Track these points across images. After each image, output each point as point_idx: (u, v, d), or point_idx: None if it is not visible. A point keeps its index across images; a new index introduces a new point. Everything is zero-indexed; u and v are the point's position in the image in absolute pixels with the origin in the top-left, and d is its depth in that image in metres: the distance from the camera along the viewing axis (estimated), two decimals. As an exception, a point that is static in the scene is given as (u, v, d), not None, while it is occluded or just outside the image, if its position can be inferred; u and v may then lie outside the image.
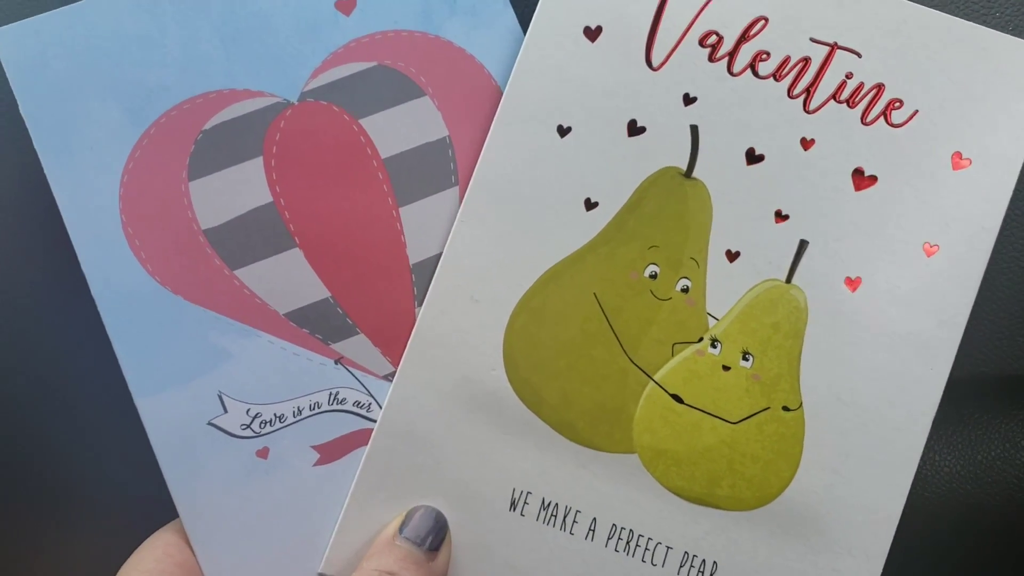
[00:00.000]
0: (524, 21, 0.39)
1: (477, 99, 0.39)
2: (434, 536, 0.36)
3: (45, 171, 0.37)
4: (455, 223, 0.38)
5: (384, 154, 0.38)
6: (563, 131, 0.38)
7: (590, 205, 0.38)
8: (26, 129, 0.37)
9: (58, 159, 0.37)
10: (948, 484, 0.39)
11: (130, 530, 0.37)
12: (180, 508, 0.37)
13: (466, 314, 0.38)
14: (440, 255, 0.38)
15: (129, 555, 0.36)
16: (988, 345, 0.40)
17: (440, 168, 0.39)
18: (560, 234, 0.38)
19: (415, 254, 0.38)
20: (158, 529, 0.37)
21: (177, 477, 0.37)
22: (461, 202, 0.38)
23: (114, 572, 0.36)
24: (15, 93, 0.37)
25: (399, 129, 0.38)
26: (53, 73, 0.37)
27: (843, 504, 0.37)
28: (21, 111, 0.37)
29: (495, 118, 0.38)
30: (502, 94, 0.38)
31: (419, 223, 0.38)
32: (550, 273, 0.38)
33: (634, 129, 0.38)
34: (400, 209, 0.38)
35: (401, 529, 0.36)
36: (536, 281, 0.38)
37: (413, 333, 0.38)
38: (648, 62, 0.38)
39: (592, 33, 0.38)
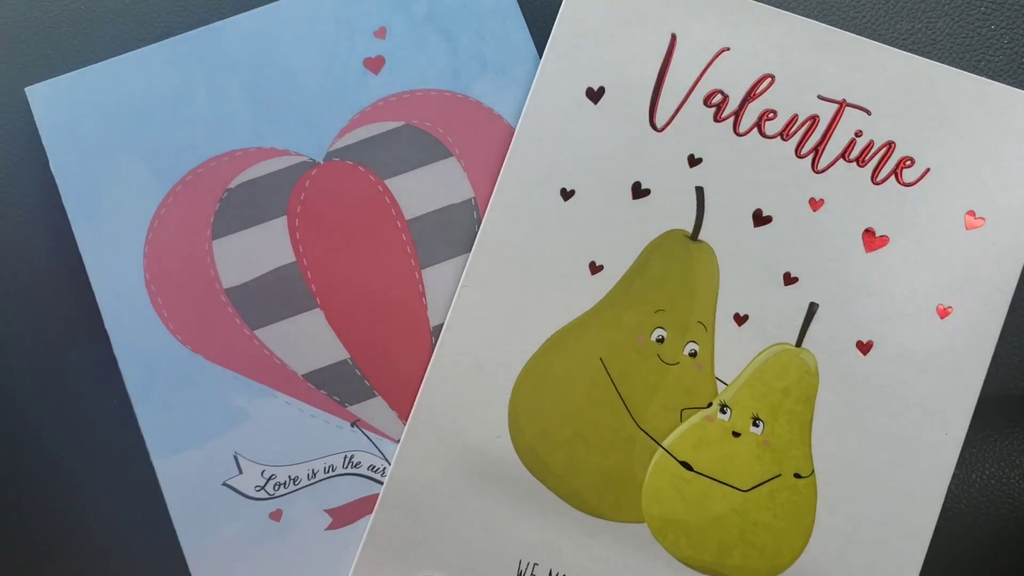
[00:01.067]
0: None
1: (505, 160, 0.38)
2: (439, 611, 0.35)
3: (73, 228, 0.37)
4: (458, 288, 0.37)
5: (408, 215, 0.38)
6: (567, 194, 0.38)
7: (595, 268, 0.37)
8: (55, 185, 0.37)
9: (86, 217, 0.37)
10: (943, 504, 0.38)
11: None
12: (192, 569, 0.36)
13: (470, 381, 0.37)
14: None
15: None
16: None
17: (465, 230, 0.38)
18: (565, 298, 0.37)
19: (436, 316, 0.38)
20: None
21: (190, 538, 0.37)
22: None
23: None
24: (46, 150, 0.37)
25: (424, 190, 0.38)
26: (84, 131, 0.37)
27: (856, 573, 0.36)
28: (52, 168, 0.37)
29: (498, 181, 0.38)
30: None
31: (441, 285, 0.38)
32: (555, 338, 0.37)
33: (638, 191, 0.37)
34: (422, 271, 0.38)
35: (406, 604, 0.35)
36: (541, 346, 0.37)
37: (416, 402, 0.37)
38: (652, 123, 0.38)
39: (595, 94, 0.38)
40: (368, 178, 0.38)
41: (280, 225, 0.38)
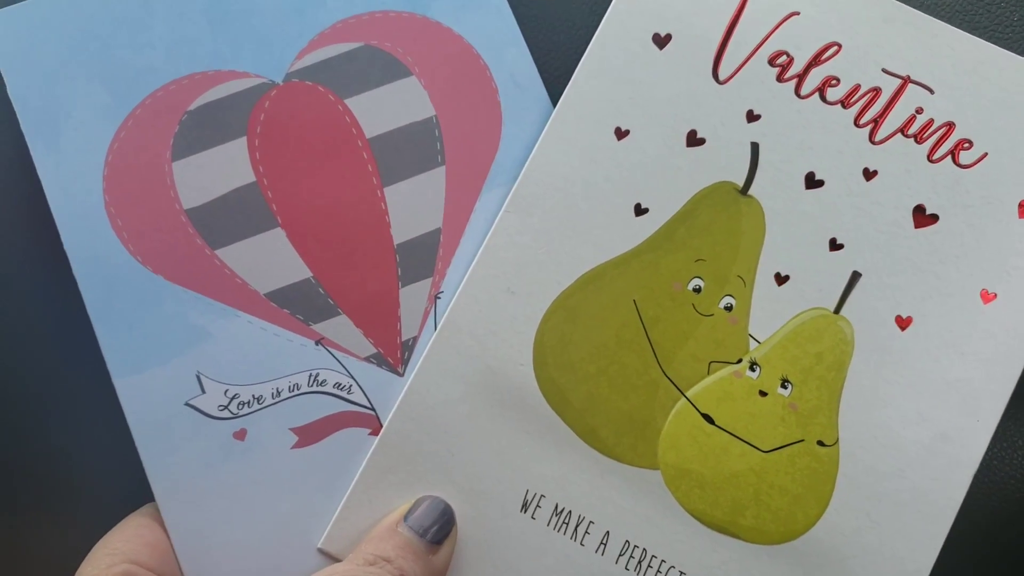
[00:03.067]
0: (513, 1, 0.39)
1: (465, 78, 0.39)
2: (438, 528, 0.34)
3: (31, 151, 0.37)
4: (501, 212, 0.37)
5: (369, 134, 0.38)
6: (621, 133, 0.37)
7: (640, 211, 0.37)
8: (13, 109, 0.37)
9: (44, 140, 0.37)
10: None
11: (107, 513, 0.36)
12: (155, 489, 0.36)
13: (500, 305, 0.37)
14: (425, 235, 0.38)
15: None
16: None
17: (426, 148, 0.38)
18: (606, 236, 0.37)
19: (399, 234, 0.38)
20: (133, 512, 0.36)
21: (153, 458, 0.36)
22: (447, 181, 0.38)
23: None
24: (3, 74, 0.37)
25: (385, 109, 0.38)
26: (42, 55, 0.37)
27: (871, 551, 0.35)
28: (9, 92, 0.37)
29: (554, 112, 0.38)
30: (490, 73, 0.38)
31: (404, 203, 0.38)
32: (591, 274, 0.37)
33: (693, 139, 0.37)
34: (385, 189, 0.38)
35: (406, 517, 0.34)
36: (576, 280, 0.37)
37: (444, 317, 0.37)
38: (715, 75, 0.38)
39: (661, 40, 0.38)
40: (328, 98, 0.38)
41: (240, 146, 0.37)
